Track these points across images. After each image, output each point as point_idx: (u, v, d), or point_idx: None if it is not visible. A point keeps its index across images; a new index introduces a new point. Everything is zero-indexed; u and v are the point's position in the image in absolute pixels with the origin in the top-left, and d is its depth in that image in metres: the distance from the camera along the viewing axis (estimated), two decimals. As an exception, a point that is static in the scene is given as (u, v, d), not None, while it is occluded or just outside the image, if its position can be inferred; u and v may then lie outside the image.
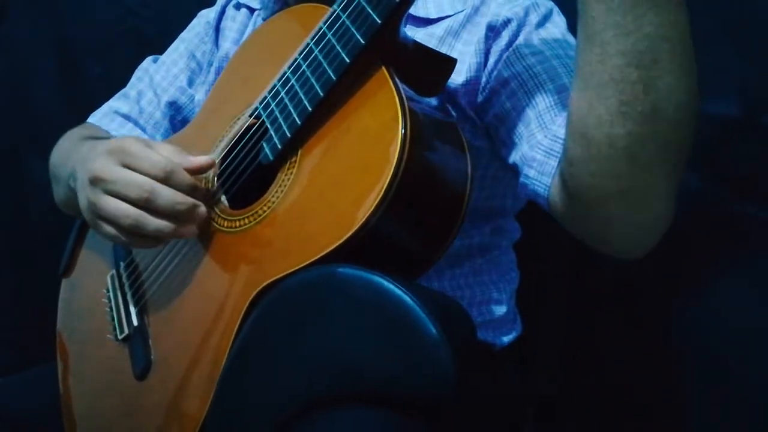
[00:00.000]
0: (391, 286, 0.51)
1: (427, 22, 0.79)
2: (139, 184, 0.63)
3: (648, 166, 0.55)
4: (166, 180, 0.64)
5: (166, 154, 0.66)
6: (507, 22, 0.74)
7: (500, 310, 0.84)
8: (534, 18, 0.74)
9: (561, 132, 0.63)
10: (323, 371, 0.52)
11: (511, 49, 0.73)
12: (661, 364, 0.96)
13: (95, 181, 0.65)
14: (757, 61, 0.85)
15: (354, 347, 0.52)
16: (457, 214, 0.61)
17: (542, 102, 0.67)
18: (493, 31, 0.74)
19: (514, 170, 0.71)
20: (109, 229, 0.66)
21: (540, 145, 0.66)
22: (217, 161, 0.72)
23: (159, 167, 0.64)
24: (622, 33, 0.51)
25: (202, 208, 0.66)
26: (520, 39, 0.73)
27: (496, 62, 0.74)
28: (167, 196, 0.63)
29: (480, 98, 0.75)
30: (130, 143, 0.65)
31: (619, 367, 1.01)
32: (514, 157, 0.70)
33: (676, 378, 0.95)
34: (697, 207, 0.89)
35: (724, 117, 0.85)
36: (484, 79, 0.75)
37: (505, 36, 0.74)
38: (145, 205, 0.63)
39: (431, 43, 0.76)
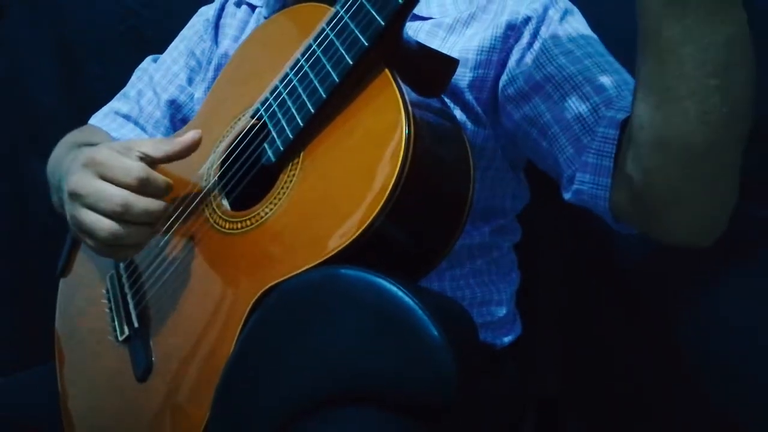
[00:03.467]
0: (393, 288, 0.51)
1: (429, 19, 0.79)
2: (112, 197, 0.63)
3: (725, 162, 0.58)
4: (141, 187, 0.64)
5: (148, 150, 0.66)
6: (527, 20, 0.74)
7: (500, 311, 0.84)
8: (554, 14, 0.75)
9: (610, 132, 0.64)
10: (325, 373, 0.52)
11: (537, 47, 0.73)
12: (661, 364, 0.96)
13: (73, 196, 0.66)
14: (757, 60, 0.85)
15: (356, 349, 0.52)
16: (460, 215, 0.61)
17: (582, 105, 0.67)
18: (513, 30, 0.74)
19: (555, 174, 0.71)
20: (90, 242, 0.67)
21: (590, 149, 0.66)
22: (218, 160, 0.72)
23: (132, 176, 0.64)
24: (699, 48, 0.52)
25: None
26: (545, 36, 0.73)
27: (519, 61, 0.74)
28: (141, 206, 0.64)
29: (502, 96, 0.75)
30: (102, 153, 0.66)
31: (619, 367, 1.01)
32: (555, 160, 0.70)
33: (677, 378, 0.95)
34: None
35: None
36: (507, 78, 0.74)
37: (526, 34, 0.74)
38: (120, 217, 0.64)
39: (437, 36, 0.77)
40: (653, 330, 0.97)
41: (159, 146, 0.67)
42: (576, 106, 0.68)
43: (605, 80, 0.67)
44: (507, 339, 0.86)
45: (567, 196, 0.70)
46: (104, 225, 0.64)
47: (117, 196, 0.63)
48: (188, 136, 0.68)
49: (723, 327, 0.91)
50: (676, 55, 0.53)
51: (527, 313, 0.91)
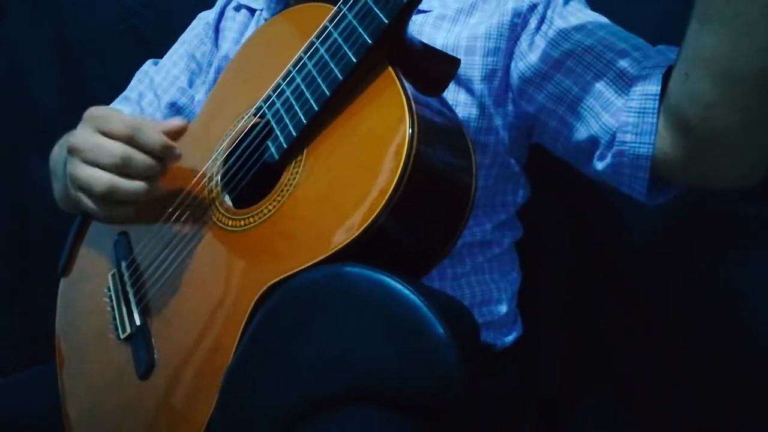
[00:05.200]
0: (398, 286, 0.51)
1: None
2: (110, 149, 0.65)
3: None
4: (135, 136, 0.65)
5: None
6: (533, 7, 0.76)
7: (501, 310, 0.84)
8: None
9: (651, 89, 0.64)
10: (329, 371, 0.52)
11: (547, 28, 0.74)
12: (661, 363, 0.97)
13: (72, 151, 0.67)
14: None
15: (360, 347, 0.51)
16: (462, 213, 0.61)
17: (609, 71, 0.68)
18: (520, 17, 0.76)
19: (589, 145, 0.71)
20: (87, 200, 0.67)
21: (629, 109, 0.66)
22: (221, 158, 0.72)
23: (126, 124, 0.65)
24: None
25: (173, 151, 0.67)
26: (554, 18, 0.74)
27: (531, 45, 0.75)
28: (141, 159, 0.65)
29: (520, 83, 0.76)
30: (100, 108, 0.68)
31: (619, 367, 1.01)
32: (589, 131, 0.70)
33: (677, 377, 0.95)
34: (697, 207, 0.89)
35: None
36: (521, 64, 0.75)
37: (533, 20, 0.75)
38: (119, 170, 0.65)
39: (442, 28, 0.78)
40: (654, 330, 0.97)
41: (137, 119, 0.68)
42: (603, 73, 0.68)
43: (625, 45, 0.68)
44: (508, 339, 0.86)
45: (601, 166, 0.70)
46: (102, 177, 0.65)
47: (118, 147, 0.65)
48: (173, 121, 0.69)
49: (723, 327, 0.92)
50: None
51: (528, 313, 0.91)
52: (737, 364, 0.91)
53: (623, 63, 0.67)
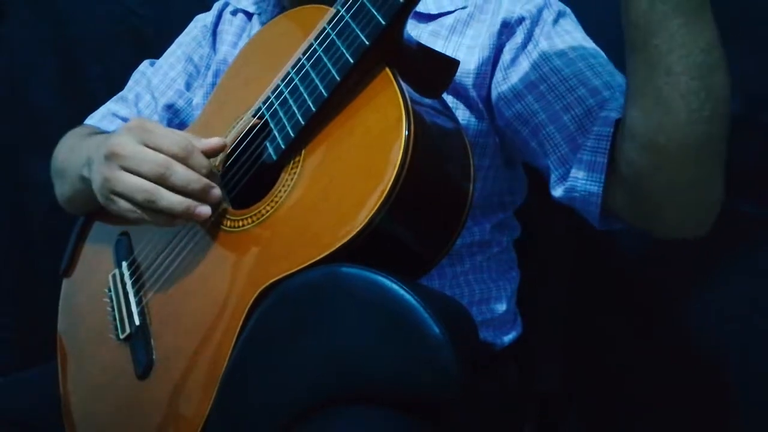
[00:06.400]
0: (395, 286, 0.52)
1: (428, 18, 0.80)
2: (156, 160, 0.64)
3: (711, 159, 0.61)
4: (184, 159, 0.65)
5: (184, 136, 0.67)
6: (521, 20, 0.76)
7: (500, 308, 0.85)
8: (548, 16, 0.76)
9: (605, 130, 0.66)
10: (326, 371, 0.52)
11: (532, 48, 0.75)
12: (661, 363, 0.97)
13: (111, 156, 0.66)
14: (757, 59, 0.86)
15: (357, 346, 0.52)
16: (460, 215, 0.61)
17: (578, 106, 0.70)
18: (507, 28, 0.76)
19: (546, 172, 0.74)
20: (123, 203, 0.66)
21: (585, 147, 0.68)
22: (220, 159, 0.72)
23: (179, 146, 0.65)
24: (684, 53, 0.56)
25: (217, 191, 0.66)
26: (539, 38, 0.75)
27: (514, 60, 0.75)
28: (183, 173, 0.64)
29: (494, 94, 0.76)
30: (150, 122, 0.67)
31: (619, 366, 1.01)
32: (546, 161, 0.72)
33: (676, 377, 0.95)
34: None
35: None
36: (499, 75, 0.76)
37: (519, 34, 0.75)
38: (160, 181, 0.64)
39: (440, 36, 0.78)
40: (654, 329, 0.98)
41: (191, 138, 0.67)
42: (571, 107, 0.70)
43: (598, 83, 0.70)
44: (507, 338, 0.86)
45: (557, 193, 0.72)
46: (145, 186, 0.64)
47: (162, 159, 0.64)
48: (215, 140, 0.68)
49: (723, 326, 0.92)
50: (664, 62, 0.57)
51: (528, 312, 0.91)
52: (737, 364, 0.91)
53: (592, 101, 0.69)
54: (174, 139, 0.65)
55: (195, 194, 0.65)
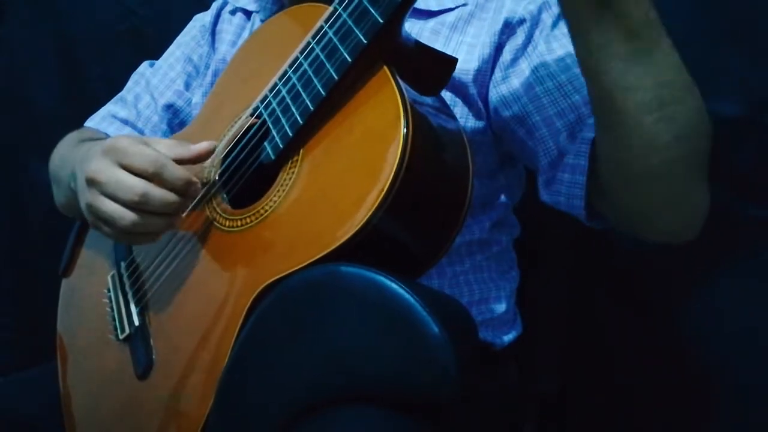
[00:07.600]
0: (394, 285, 0.52)
1: (429, 14, 0.80)
2: (131, 187, 0.63)
3: (683, 175, 0.61)
4: (158, 176, 0.64)
5: (162, 149, 0.66)
6: (522, 21, 0.76)
7: (500, 308, 0.84)
8: (547, 18, 0.76)
9: (588, 136, 0.67)
10: (325, 370, 0.52)
11: (531, 51, 0.75)
12: (661, 363, 0.96)
13: (91, 183, 0.66)
14: (758, 60, 0.86)
15: (356, 346, 0.52)
16: (459, 213, 0.61)
17: (572, 113, 0.70)
18: (508, 27, 0.76)
19: (535, 170, 0.75)
20: (108, 229, 0.67)
21: (570, 151, 0.69)
22: (218, 158, 0.72)
23: (150, 161, 0.64)
24: (632, 94, 0.56)
25: (196, 187, 0.66)
26: (539, 41, 0.75)
27: (514, 61, 0.75)
28: (159, 197, 0.64)
29: (492, 93, 0.76)
30: (122, 141, 0.66)
31: (619, 366, 1.01)
32: (536, 160, 0.73)
33: (677, 377, 0.95)
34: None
35: (724, 116, 0.85)
36: (498, 74, 0.76)
37: (520, 34, 0.75)
38: (138, 207, 0.64)
39: (441, 34, 0.78)
40: (654, 329, 0.97)
41: (173, 148, 0.67)
42: (565, 113, 0.71)
43: None
44: (507, 338, 0.86)
45: (545, 196, 0.72)
46: (124, 215, 0.64)
47: (137, 186, 0.63)
48: (203, 145, 0.68)
49: (723, 326, 0.92)
50: (612, 100, 0.57)
51: (528, 312, 0.91)
52: (737, 365, 0.91)
53: (585, 110, 0.69)
54: (146, 157, 0.64)
55: (175, 211, 0.66)
